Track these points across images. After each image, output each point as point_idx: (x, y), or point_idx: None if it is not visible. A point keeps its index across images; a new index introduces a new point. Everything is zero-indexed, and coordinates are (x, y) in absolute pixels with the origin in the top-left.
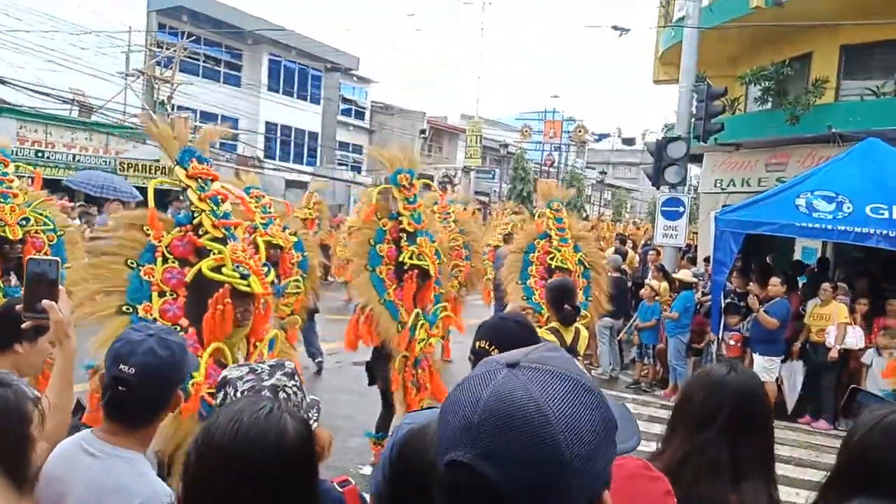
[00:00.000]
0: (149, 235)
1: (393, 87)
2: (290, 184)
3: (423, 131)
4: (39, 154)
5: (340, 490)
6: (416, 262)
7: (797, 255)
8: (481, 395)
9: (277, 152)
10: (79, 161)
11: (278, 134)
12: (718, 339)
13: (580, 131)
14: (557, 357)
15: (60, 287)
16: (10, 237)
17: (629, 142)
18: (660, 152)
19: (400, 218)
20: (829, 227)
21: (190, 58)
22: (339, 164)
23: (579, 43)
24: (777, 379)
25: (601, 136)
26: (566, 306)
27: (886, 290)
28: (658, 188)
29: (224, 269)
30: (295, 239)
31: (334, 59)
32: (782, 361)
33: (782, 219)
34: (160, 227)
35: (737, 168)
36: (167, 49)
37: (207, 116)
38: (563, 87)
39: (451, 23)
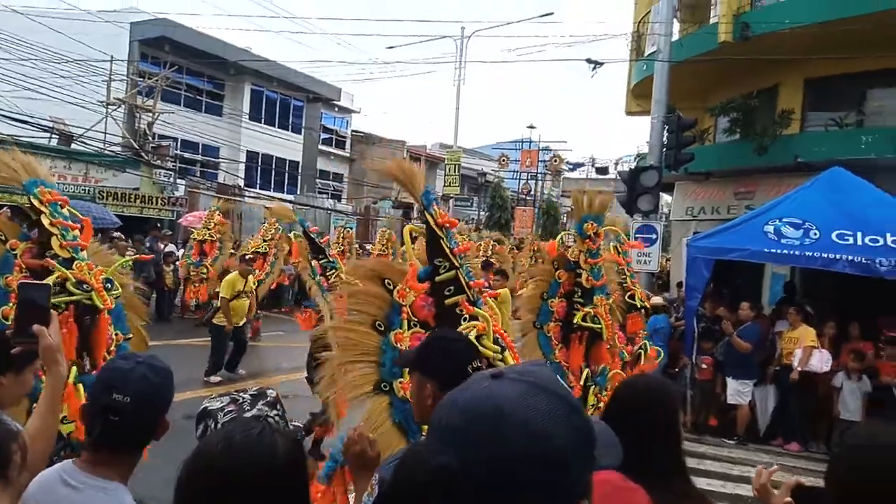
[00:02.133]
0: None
1: (374, 117)
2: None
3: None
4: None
5: None
6: (589, 324)
7: (766, 281)
8: (459, 401)
9: (258, 181)
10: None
11: (259, 163)
12: (692, 362)
13: (555, 161)
14: (539, 371)
15: (53, 312)
16: (101, 305)
17: (603, 171)
18: (633, 181)
19: (578, 271)
20: (797, 252)
21: (172, 87)
22: (320, 193)
23: (554, 75)
24: (750, 402)
25: (575, 166)
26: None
27: (854, 315)
28: (632, 216)
29: (68, 285)
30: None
31: (316, 90)
32: (755, 385)
33: (752, 245)
34: (12, 232)
35: (707, 196)
36: (149, 79)
37: (188, 145)
38: (538, 117)
39: (430, 55)
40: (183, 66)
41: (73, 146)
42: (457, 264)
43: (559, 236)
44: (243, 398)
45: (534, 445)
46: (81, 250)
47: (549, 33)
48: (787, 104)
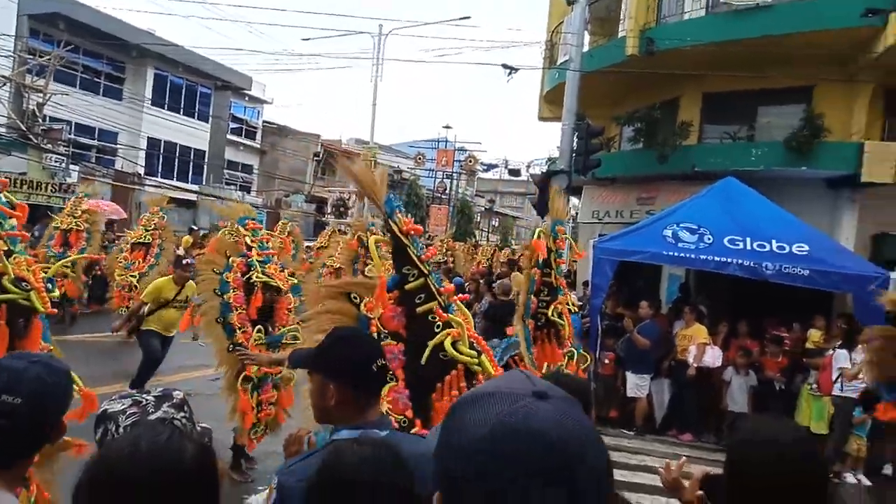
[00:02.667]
0: None
1: (287, 110)
2: (172, 201)
3: (316, 154)
4: None
5: None
6: (556, 319)
7: (664, 281)
8: (544, 431)
9: (160, 169)
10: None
11: (161, 150)
12: (596, 358)
13: (471, 161)
14: (551, 384)
15: None
16: (40, 308)
17: (515, 173)
18: (544, 184)
19: (547, 269)
20: (693, 255)
21: (66, 67)
22: (228, 184)
23: (470, 77)
24: (648, 395)
25: (489, 167)
26: None
27: (741, 314)
28: (542, 217)
29: (3, 281)
30: (294, 281)
31: (225, 78)
32: (652, 379)
33: (652, 248)
34: None
35: (612, 201)
36: (40, 57)
37: (83, 129)
38: (454, 118)
39: (347, 49)
40: (79, 45)
41: None
42: (425, 271)
43: (537, 231)
44: (147, 400)
45: (594, 468)
46: (21, 242)
47: (466, 36)
48: (686, 116)
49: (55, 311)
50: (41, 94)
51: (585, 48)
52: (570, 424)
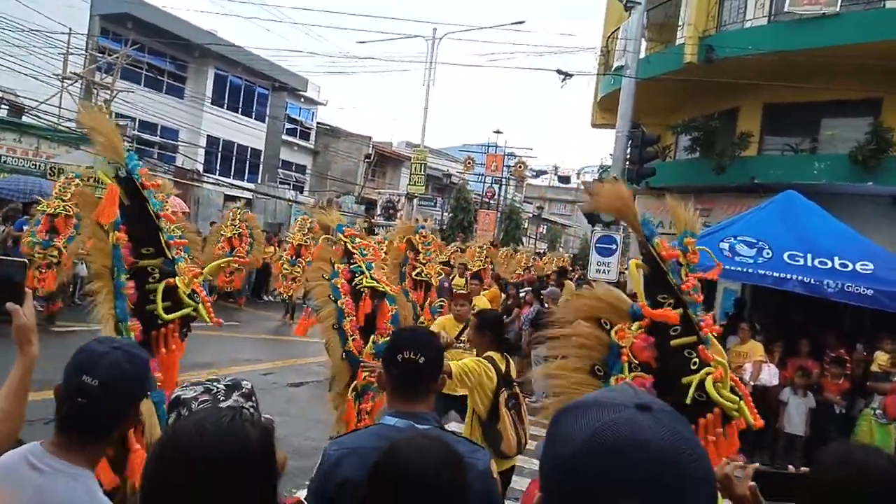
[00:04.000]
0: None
1: (340, 111)
2: (228, 199)
3: (367, 156)
4: None
5: None
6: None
7: (719, 295)
8: (646, 442)
9: (217, 167)
10: (5, 163)
11: (220, 149)
12: None
13: (520, 167)
14: (656, 399)
15: (26, 291)
16: (209, 321)
17: (565, 180)
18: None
19: None
20: (750, 270)
21: (132, 66)
22: (282, 183)
23: (523, 82)
24: None
25: (539, 173)
26: (507, 337)
27: (801, 332)
28: (593, 226)
29: (180, 294)
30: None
31: (282, 79)
32: None
33: (707, 261)
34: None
35: (665, 211)
36: (109, 55)
37: (147, 126)
38: (505, 123)
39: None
40: (145, 45)
41: (25, 119)
42: (684, 301)
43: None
44: (217, 388)
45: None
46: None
47: (520, 41)
48: (745, 127)
49: (220, 321)
50: (109, 91)
51: (642, 54)
52: (671, 437)
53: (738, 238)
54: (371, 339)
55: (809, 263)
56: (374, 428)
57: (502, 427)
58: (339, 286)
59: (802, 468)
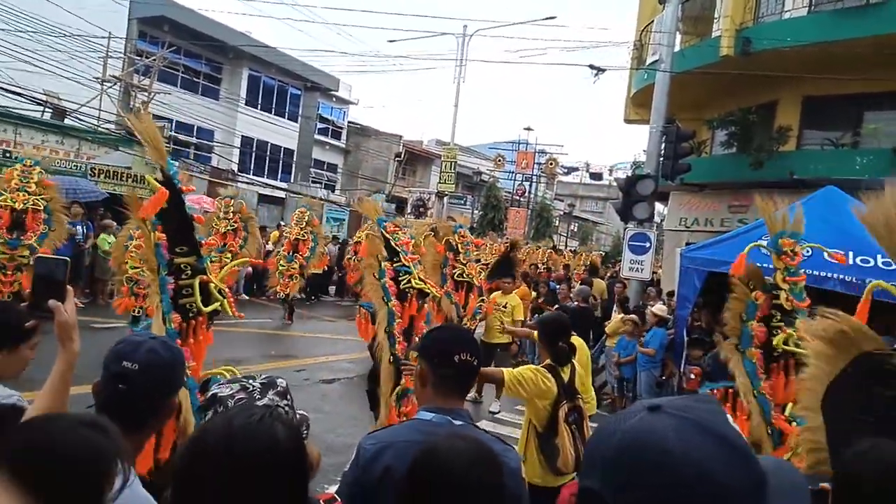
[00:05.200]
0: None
1: (371, 110)
2: (262, 198)
3: (398, 154)
4: (7, 154)
5: None
6: (792, 348)
7: None
8: (616, 431)
9: (252, 167)
10: (48, 164)
11: (254, 148)
12: (680, 372)
13: (551, 164)
14: (703, 408)
15: (68, 288)
16: (231, 314)
17: (597, 176)
18: (629, 189)
19: (776, 292)
20: None
21: (169, 68)
22: (314, 182)
23: (554, 78)
24: None
25: (570, 170)
26: (560, 343)
27: None
28: (626, 223)
29: (211, 289)
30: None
31: (314, 79)
32: None
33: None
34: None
35: (701, 208)
36: (146, 58)
37: (183, 127)
38: (536, 119)
39: (432, 50)
40: (181, 47)
41: (67, 121)
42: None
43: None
44: (253, 386)
45: (693, 483)
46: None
47: (551, 37)
48: (784, 121)
49: (242, 315)
50: (146, 93)
51: (677, 48)
52: (646, 435)
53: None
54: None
55: (851, 262)
56: (411, 422)
57: (560, 442)
58: (388, 286)
59: (822, 484)
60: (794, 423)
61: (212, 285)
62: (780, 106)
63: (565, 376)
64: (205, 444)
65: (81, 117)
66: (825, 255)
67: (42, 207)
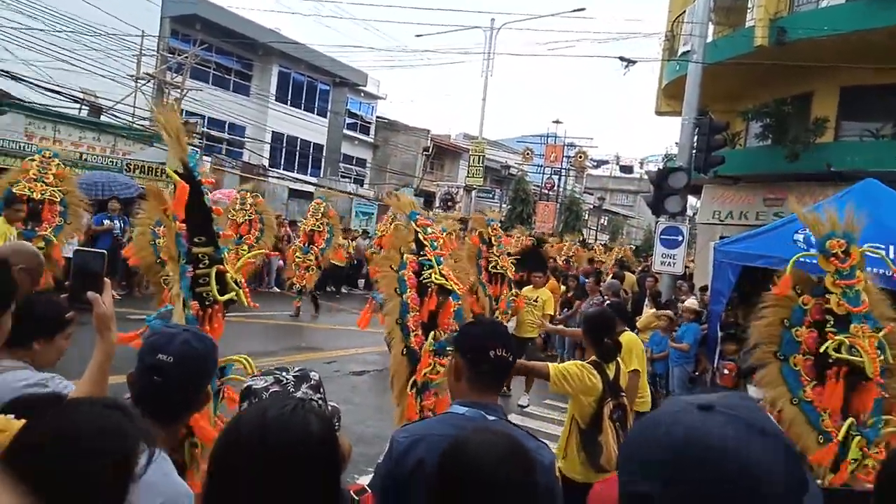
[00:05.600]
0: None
1: (399, 105)
2: (292, 193)
3: (426, 149)
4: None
5: (357, 498)
6: (844, 356)
7: None
8: (673, 433)
9: (282, 162)
10: (86, 160)
11: (284, 144)
12: (713, 368)
13: (580, 157)
14: (748, 406)
15: (105, 280)
16: (247, 304)
17: (627, 169)
18: (661, 182)
19: (827, 296)
20: None
21: (201, 65)
22: (343, 177)
23: (583, 71)
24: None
25: (600, 163)
26: (606, 340)
27: None
28: (658, 216)
29: (227, 279)
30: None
31: (343, 75)
32: None
33: (780, 253)
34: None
35: (735, 201)
36: (179, 55)
37: (215, 123)
38: (565, 112)
39: (459, 44)
40: (213, 44)
41: (103, 118)
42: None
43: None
44: (287, 379)
45: (745, 486)
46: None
47: (580, 29)
48: (821, 112)
49: (257, 305)
50: (179, 90)
51: (709, 38)
52: (706, 437)
53: None
54: (432, 336)
55: (891, 256)
56: (444, 416)
57: (604, 439)
58: (406, 278)
59: (867, 485)
60: (857, 436)
61: (228, 275)
62: (816, 96)
63: (610, 373)
64: (239, 434)
65: (117, 114)
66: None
67: (59, 199)
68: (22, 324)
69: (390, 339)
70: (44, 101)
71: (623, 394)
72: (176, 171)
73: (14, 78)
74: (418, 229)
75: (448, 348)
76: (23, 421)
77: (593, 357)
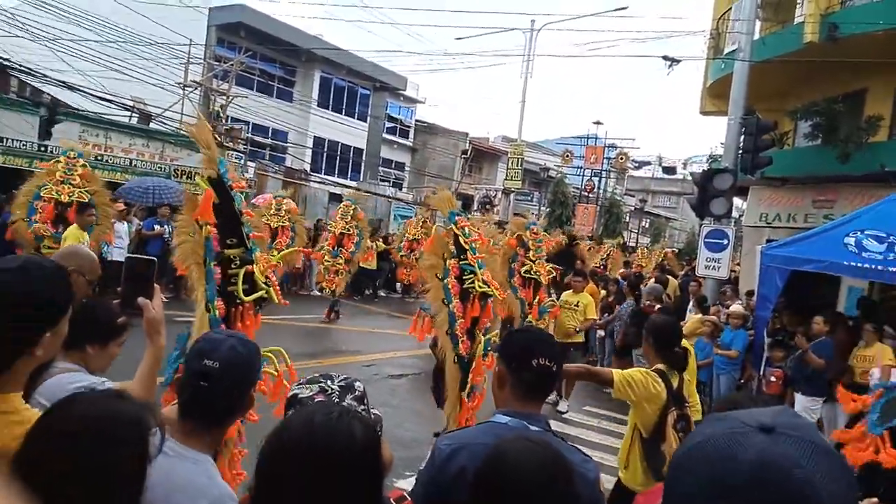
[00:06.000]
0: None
1: (438, 108)
2: (333, 197)
3: (464, 151)
4: (99, 158)
5: None
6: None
7: (842, 295)
8: (741, 457)
9: (323, 166)
10: (135, 166)
11: (325, 149)
12: (759, 376)
13: (622, 159)
14: (806, 424)
15: (155, 286)
16: (277, 301)
17: (670, 171)
18: (705, 183)
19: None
20: (880, 267)
21: (246, 72)
22: (382, 181)
23: (625, 71)
24: (818, 420)
25: (641, 164)
26: (676, 349)
27: None
28: (702, 219)
29: (256, 277)
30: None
31: (383, 79)
32: (824, 402)
33: (830, 257)
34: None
35: (783, 203)
36: (224, 63)
37: (259, 129)
38: (606, 113)
39: (499, 46)
40: (257, 51)
41: (152, 125)
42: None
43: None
44: (332, 389)
45: None
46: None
47: (622, 28)
48: (874, 110)
49: (287, 302)
50: (225, 97)
51: (756, 36)
52: (780, 459)
53: (866, 232)
54: (485, 338)
55: None
56: (486, 426)
57: (667, 448)
58: (450, 286)
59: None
60: None
61: (256, 275)
62: (869, 94)
63: (674, 382)
64: (286, 440)
65: (165, 121)
66: None
67: (87, 200)
68: (78, 327)
69: (441, 349)
70: (96, 109)
71: (687, 403)
72: (209, 178)
73: (70, 87)
74: (458, 232)
75: (490, 350)
76: (37, 412)
77: (658, 365)
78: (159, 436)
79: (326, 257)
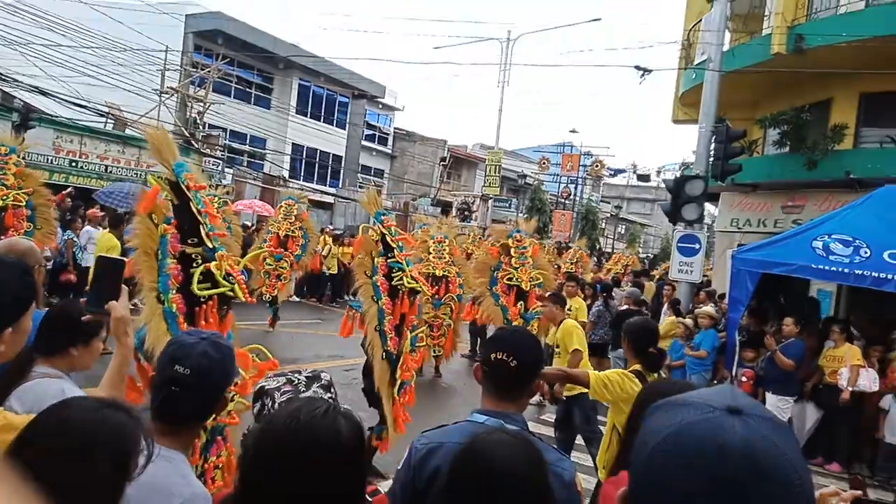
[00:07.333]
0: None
1: (416, 116)
2: (312, 204)
3: (443, 159)
4: (73, 164)
5: (370, 499)
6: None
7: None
8: (725, 443)
9: (302, 173)
10: (111, 172)
11: (304, 155)
12: (732, 376)
13: (597, 166)
14: (754, 401)
15: (123, 287)
16: (242, 298)
17: (644, 178)
18: (678, 190)
19: None
20: (846, 270)
21: (223, 79)
22: (361, 187)
23: (600, 80)
24: (788, 419)
25: (616, 172)
26: (651, 350)
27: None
28: (675, 224)
29: (216, 276)
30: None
31: (361, 87)
32: (794, 402)
33: (799, 260)
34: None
35: (753, 209)
36: (202, 70)
37: (237, 135)
38: (581, 122)
39: (475, 54)
40: (234, 58)
41: (128, 131)
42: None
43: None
44: (298, 379)
45: (803, 483)
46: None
47: (596, 38)
48: (840, 119)
49: (253, 300)
50: (202, 104)
51: (726, 47)
52: (759, 443)
53: (833, 236)
54: (411, 335)
55: None
56: (464, 424)
57: None
58: (379, 283)
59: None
60: None
61: (215, 272)
62: (835, 103)
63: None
64: (270, 435)
65: (141, 127)
66: (884, 255)
67: (24, 203)
68: (58, 333)
69: (370, 346)
70: (71, 114)
71: None
72: (167, 180)
73: (42, 93)
74: (385, 231)
75: (418, 345)
76: (26, 418)
77: (635, 366)
78: (147, 451)
79: (267, 261)
